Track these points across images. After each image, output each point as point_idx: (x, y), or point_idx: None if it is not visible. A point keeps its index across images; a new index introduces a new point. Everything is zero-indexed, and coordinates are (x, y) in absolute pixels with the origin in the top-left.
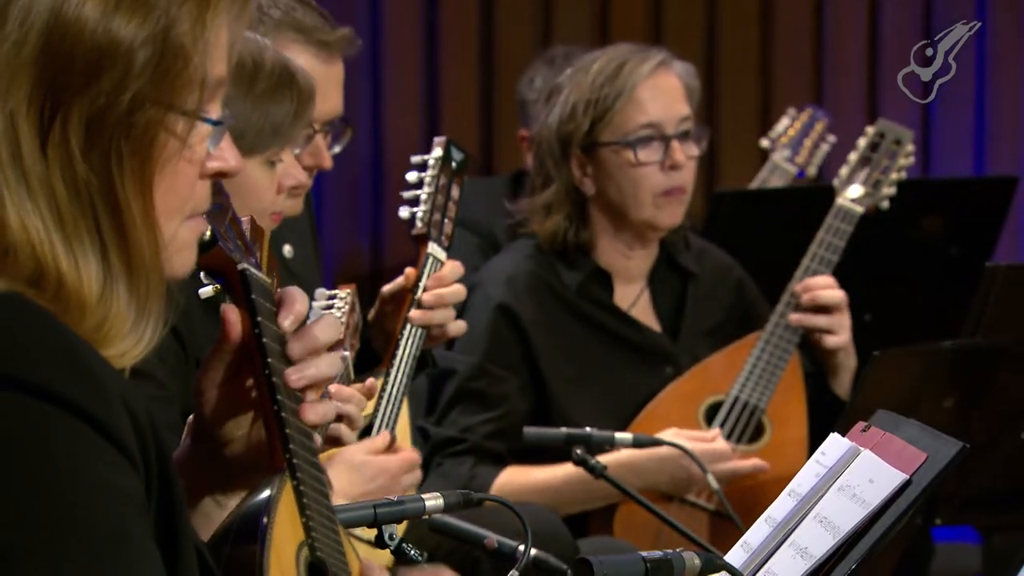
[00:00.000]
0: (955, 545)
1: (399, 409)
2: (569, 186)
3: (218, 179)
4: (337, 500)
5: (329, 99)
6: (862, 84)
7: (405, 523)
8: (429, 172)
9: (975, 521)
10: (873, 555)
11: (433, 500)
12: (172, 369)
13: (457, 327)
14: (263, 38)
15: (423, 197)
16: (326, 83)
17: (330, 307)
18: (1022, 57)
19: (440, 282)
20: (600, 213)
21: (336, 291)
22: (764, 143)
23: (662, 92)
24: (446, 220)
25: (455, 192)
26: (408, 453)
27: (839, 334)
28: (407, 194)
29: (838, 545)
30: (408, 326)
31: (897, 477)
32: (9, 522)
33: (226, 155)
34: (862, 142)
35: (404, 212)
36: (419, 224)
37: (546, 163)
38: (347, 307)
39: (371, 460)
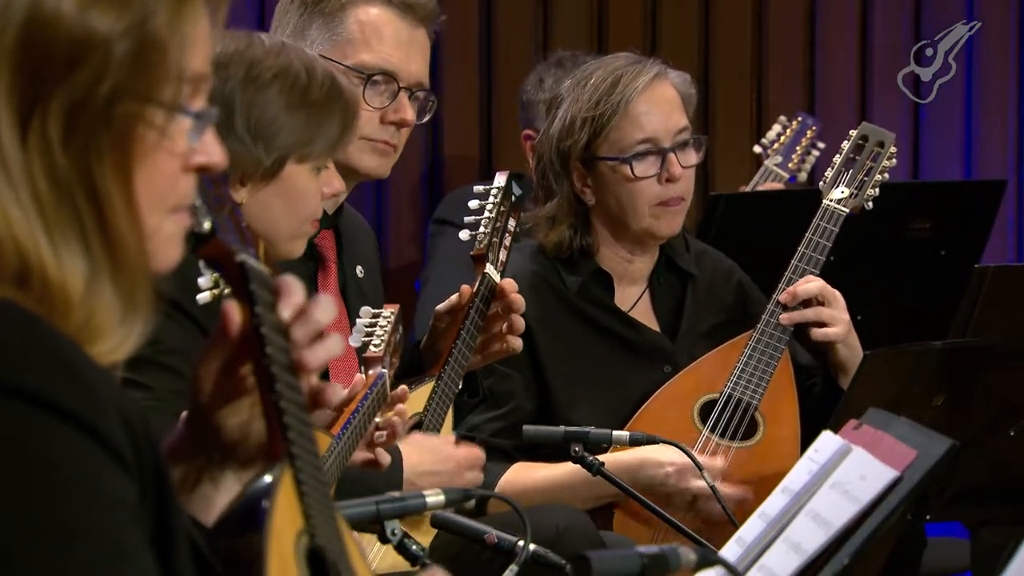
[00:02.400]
0: (944, 540)
1: (444, 415)
2: (571, 197)
3: (203, 173)
4: (407, 475)
5: (414, 60)
6: (853, 91)
7: (432, 529)
8: (491, 200)
9: (963, 517)
10: (865, 550)
11: (434, 496)
12: (190, 355)
13: (516, 344)
14: (311, 52)
15: (483, 222)
16: (410, 44)
17: (374, 325)
18: (1011, 62)
19: (502, 295)
20: (600, 222)
21: (380, 310)
22: (757, 149)
23: (658, 105)
24: (502, 248)
25: (512, 224)
26: (476, 450)
27: (833, 326)
28: (468, 219)
29: (830, 540)
30: (460, 338)
31: (888, 474)
32: (3, 530)
33: (210, 149)
34: (846, 145)
35: (464, 235)
36: (478, 245)
37: (548, 175)
38: (390, 326)
39: (444, 446)
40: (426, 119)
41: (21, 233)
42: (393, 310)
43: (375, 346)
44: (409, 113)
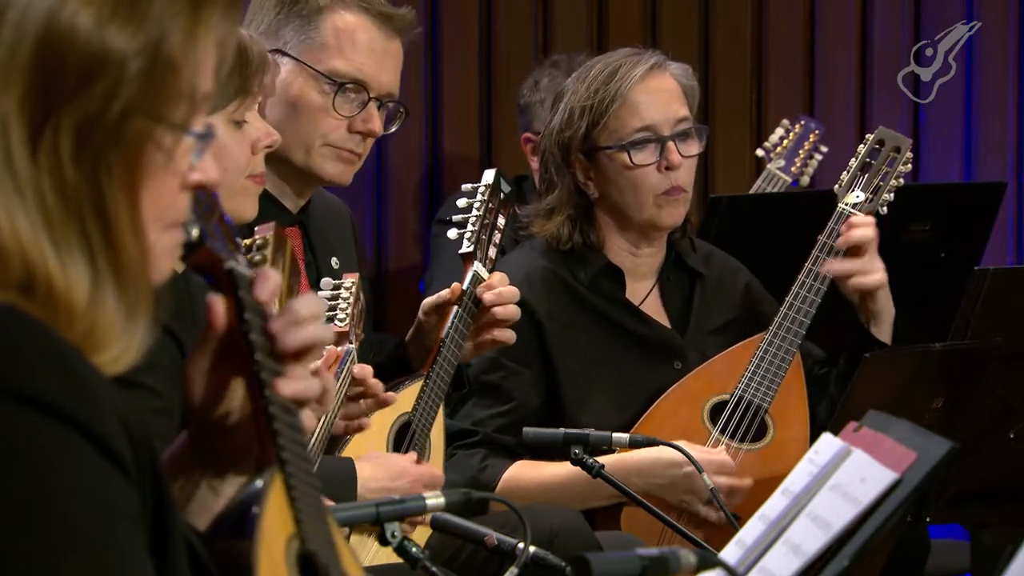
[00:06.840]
0: (943, 542)
1: (436, 413)
2: (572, 189)
3: (199, 191)
4: (359, 490)
5: (386, 70)
6: (853, 91)
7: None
8: (479, 197)
9: (963, 519)
10: (864, 552)
11: (434, 499)
12: (170, 375)
13: (506, 336)
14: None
15: (471, 219)
16: (384, 54)
17: (336, 296)
18: (1011, 62)
19: (490, 288)
20: (605, 215)
21: (340, 280)
22: (760, 153)
23: (656, 94)
24: (491, 245)
25: (500, 221)
26: (435, 470)
27: (875, 274)
28: (456, 217)
29: (830, 542)
30: (448, 336)
31: (888, 476)
32: (2, 534)
33: (207, 167)
34: (862, 148)
35: (452, 233)
36: (466, 243)
37: (550, 168)
38: (352, 296)
39: (399, 462)
40: (393, 129)
41: (27, 243)
42: (353, 279)
43: (340, 320)
44: (377, 124)
